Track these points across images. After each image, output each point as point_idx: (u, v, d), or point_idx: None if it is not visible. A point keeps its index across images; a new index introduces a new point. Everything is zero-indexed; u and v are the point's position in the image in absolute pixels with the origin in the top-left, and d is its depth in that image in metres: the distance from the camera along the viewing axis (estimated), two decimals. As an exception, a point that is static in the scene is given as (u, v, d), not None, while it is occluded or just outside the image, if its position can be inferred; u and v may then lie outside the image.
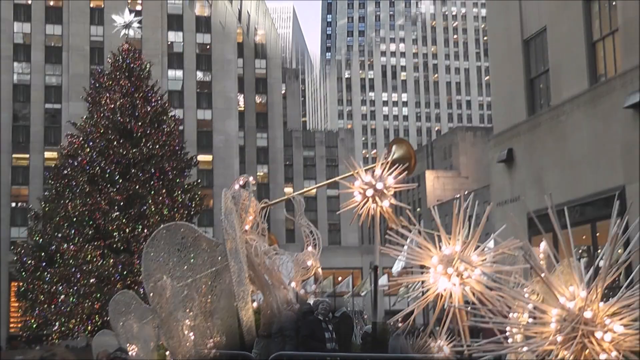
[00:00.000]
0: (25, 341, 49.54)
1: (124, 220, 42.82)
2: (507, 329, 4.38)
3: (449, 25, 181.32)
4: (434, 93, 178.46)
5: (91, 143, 44.23)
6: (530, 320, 4.01)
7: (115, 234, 42.52)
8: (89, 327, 40.71)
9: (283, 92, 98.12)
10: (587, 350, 3.63)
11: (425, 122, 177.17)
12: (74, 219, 42.56)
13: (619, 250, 3.94)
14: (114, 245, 42.71)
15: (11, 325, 67.22)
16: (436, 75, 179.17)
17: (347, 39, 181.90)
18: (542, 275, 3.93)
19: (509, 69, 23.91)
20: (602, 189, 18.29)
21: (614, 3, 19.15)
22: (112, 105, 44.81)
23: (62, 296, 41.61)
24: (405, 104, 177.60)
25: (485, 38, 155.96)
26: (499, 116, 25.25)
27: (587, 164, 19.38)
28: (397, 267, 42.34)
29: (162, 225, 6.65)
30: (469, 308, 4.83)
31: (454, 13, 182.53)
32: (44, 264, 43.46)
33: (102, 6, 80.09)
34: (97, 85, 47.18)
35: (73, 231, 42.72)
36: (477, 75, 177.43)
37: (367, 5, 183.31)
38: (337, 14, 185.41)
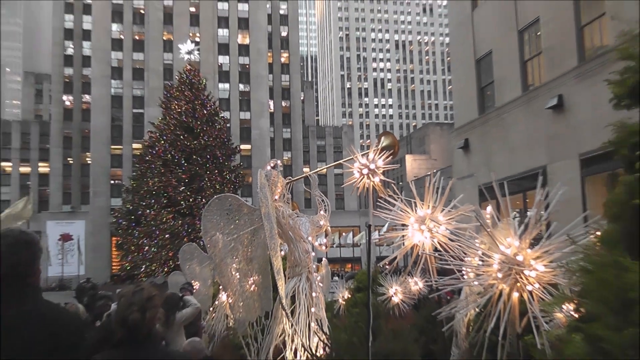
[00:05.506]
0: (123, 278, 50.09)
1: (188, 193, 43.02)
2: (463, 269, 4.39)
3: (422, 49, 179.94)
4: (411, 98, 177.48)
5: (165, 137, 44.36)
6: (480, 262, 4.03)
7: (182, 202, 42.72)
8: (166, 269, 41.06)
9: (302, 98, 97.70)
10: (519, 284, 3.68)
11: (405, 120, 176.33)
12: (153, 192, 42.81)
13: (542, 212, 3.96)
14: (182, 211, 42.94)
15: (113, 267, 68.38)
16: (413, 86, 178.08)
17: (349, 60, 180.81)
18: (488, 230, 3.94)
19: (465, 80, 23.79)
20: (531, 167, 18.26)
21: (538, 34, 19.05)
22: (179, 110, 44.86)
23: (147, 247, 41.95)
24: (390, 106, 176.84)
25: (448, 58, 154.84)
26: (459, 115, 25.17)
27: (522, 149, 19.32)
28: (385, 227, 42.53)
29: (215, 196, 6.64)
30: (436, 254, 4.84)
31: (425, 41, 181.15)
32: (133, 224, 43.76)
33: (172, 38, 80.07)
34: (169, 95, 47.20)
35: (153, 201, 42.96)
36: (442, 85, 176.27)
37: (367, 37, 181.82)
38: (346, 43, 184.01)
